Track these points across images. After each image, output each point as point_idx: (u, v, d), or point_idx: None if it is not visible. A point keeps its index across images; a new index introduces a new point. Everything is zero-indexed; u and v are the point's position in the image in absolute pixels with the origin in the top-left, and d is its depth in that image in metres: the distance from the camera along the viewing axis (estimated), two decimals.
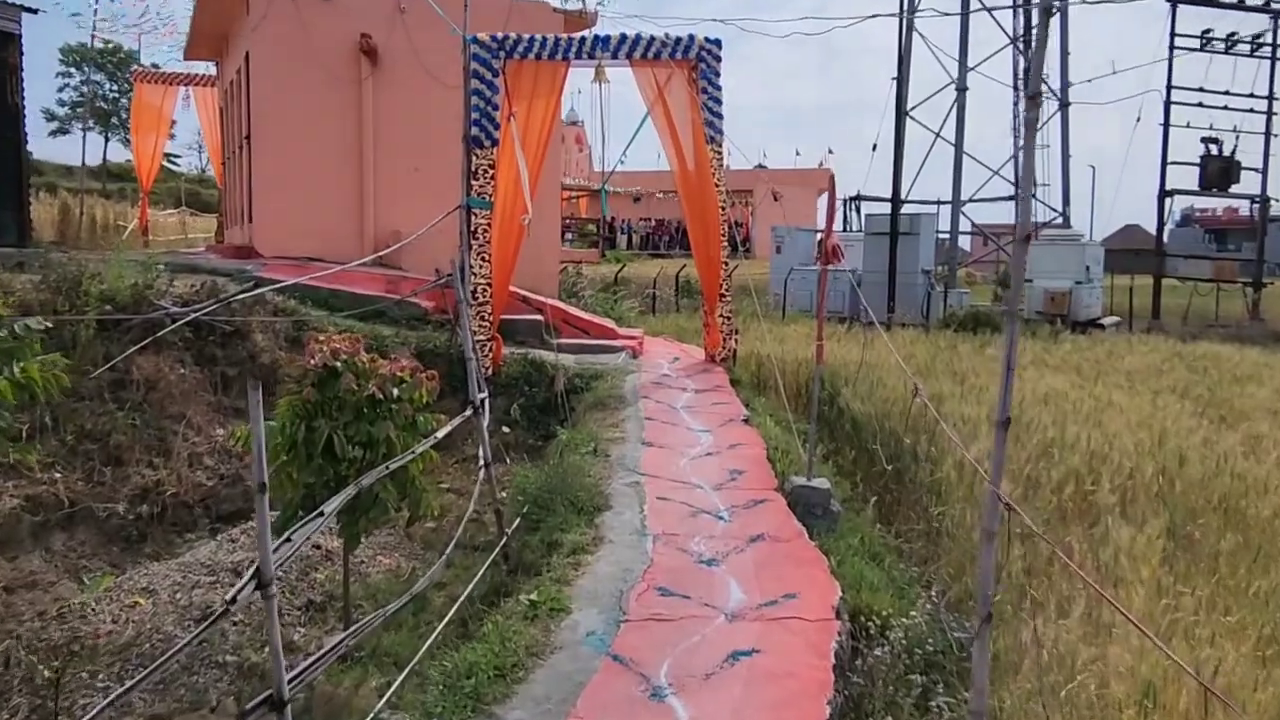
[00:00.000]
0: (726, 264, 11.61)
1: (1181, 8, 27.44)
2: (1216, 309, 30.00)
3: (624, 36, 11.22)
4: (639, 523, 5.92)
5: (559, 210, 15.38)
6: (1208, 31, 27.95)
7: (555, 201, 14.92)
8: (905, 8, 23.87)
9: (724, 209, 11.56)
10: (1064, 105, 31.47)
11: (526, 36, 10.87)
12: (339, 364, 5.65)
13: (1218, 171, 28.24)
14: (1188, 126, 28.32)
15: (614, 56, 11.19)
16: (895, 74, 25.09)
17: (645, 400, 9.51)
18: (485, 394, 8.09)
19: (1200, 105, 28.16)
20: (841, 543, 6.32)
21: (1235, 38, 28.00)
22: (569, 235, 47.72)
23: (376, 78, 13.83)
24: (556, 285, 14.80)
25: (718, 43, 11.47)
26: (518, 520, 6.77)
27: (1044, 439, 8.05)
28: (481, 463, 6.85)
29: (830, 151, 72.02)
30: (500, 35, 10.79)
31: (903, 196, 25.29)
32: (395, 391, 5.75)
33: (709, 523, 5.97)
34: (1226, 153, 28.67)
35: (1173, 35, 27.59)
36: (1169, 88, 27.73)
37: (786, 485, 6.82)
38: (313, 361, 5.67)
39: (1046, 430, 8.32)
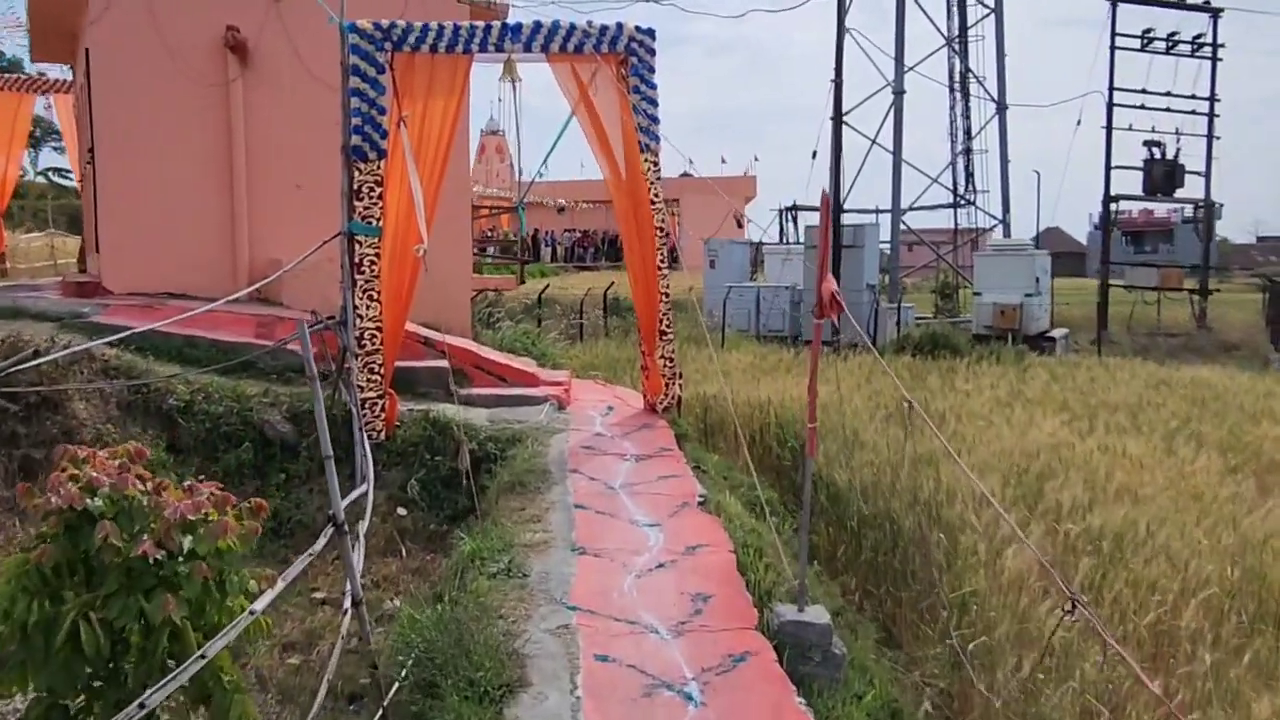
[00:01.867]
0: (666, 295, 9.74)
1: (1122, 7, 26.46)
2: (1159, 317, 29.12)
3: (538, 25, 9.30)
4: (569, 715, 4.00)
5: (469, 231, 13.38)
6: (1149, 31, 27.02)
7: (464, 221, 12.90)
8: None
9: (662, 228, 9.71)
10: (1001, 109, 30.40)
11: (419, 25, 8.88)
12: (95, 503, 3.65)
13: (1162, 175, 27.32)
14: (1130, 129, 27.38)
15: (527, 49, 9.25)
16: (832, 77, 23.60)
17: (575, 475, 7.58)
18: (365, 488, 6.14)
19: (1142, 107, 27.22)
20: (852, 706, 4.51)
21: (1176, 38, 27.12)
22: (491, 250, 45.45)
23: (248, 79, 11.68)
24: (468, 318, 12.78)
25: (650, 33, 9.62)
26: (395, 686, 4.81)
27: (1087, 530, 6.31)
28: (349, 601, 4.89)
29: (756, 159, 70.70)
30: (385, 23, 8.80)
31: (843, 206, 23.83)
32: (186, 542, 3.74)
33: (673, 708, 4.07)
34: (1169, 156, 27.78)
35: (1113, 35, 26.63)
36: (1111, 89, 26.75)
37: (771, 620, 4.96)
38: (55, 500, 3.66)
39: (1083, 514, 6.60)
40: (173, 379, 8.54)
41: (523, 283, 17.86)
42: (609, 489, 7.26)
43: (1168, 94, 27.21)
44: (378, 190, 8.79)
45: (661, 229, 9.70)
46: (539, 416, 9.44)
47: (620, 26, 9.51)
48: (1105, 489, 7.29)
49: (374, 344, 8.77)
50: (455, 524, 8.00)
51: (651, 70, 9.66)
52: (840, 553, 7.36)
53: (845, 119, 26.06)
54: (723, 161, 65.86)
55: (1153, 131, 27.46)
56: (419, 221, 8.19)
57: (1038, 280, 23.41)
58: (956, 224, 30.67)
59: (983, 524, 6.33)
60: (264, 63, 11.68)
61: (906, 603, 6.51)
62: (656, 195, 9.62)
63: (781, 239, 29.14)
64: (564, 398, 10.19)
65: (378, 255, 8.78)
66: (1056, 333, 24.33)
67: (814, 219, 28.56)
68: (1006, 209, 30.22)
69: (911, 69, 26.62)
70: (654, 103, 9.66)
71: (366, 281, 8.75)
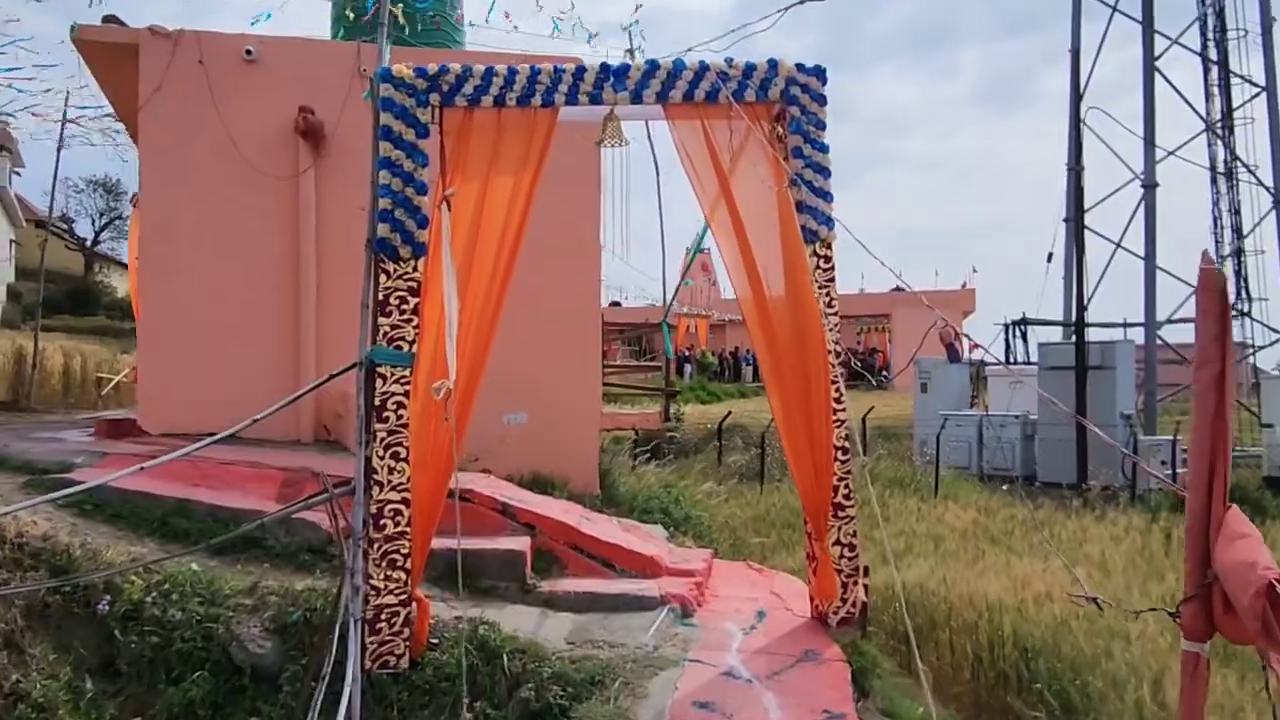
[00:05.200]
0: (844, 451, 6.48)
1: None
2: None
3: (653, 65, 6.52)
4: None
5: (597, 359, 10.48)
6: None
7: (591, 347, 10.03)
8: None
9: (837, 353, 6.51)
10: None
11: (479, 69, 6.27)
12: None
13: None
14: None
15: (636, 99, 6.46)
16: (1068, 164, 19.88)
17: None
18: None
19: None
20: None
21: None
22: (690, 369, 42.74)
23: (321, 169, 9.50)
24: (594, 466, 9.85)
25: (819, 72, 6.64)
26: None
27: None
28: None
29: (974, 270, 65.69)
30: (432, 68, 6.24)
31: (1085, 319, 19.79)
32: None
33: None
34: None
35: None
36: None
37: None
38: None
39: None
40: (135, 559, 5.97)
41: (668, 419, 14.80)
42: None
43: None
44: (411, 302, 6.10)
45: (836, 353, 6.51)
46: (646, 635, 6.28)
47: (774, 65, 6.58)
48: None
49: (396, 524, 5.94)
50: None
51: (820, 126, 6.64)
52: None
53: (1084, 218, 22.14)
54: (936, 274, 61.42)
55: None
56: (447, 347, 5.39)
57: None
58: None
59: None
60: (343, 149, 9.45)
61: None
62: (828, 305, 6.49)
63: (1008, 359, 24.97)
64: (692, 598, 6.98)
65: (407, 394, 6.03)
66: None
67: (1047, 335, 24.33)
68: None
69: (1170, 154, 22.39)
70: (824, 172, 6.61)
71: (390, 432, 5.99)
